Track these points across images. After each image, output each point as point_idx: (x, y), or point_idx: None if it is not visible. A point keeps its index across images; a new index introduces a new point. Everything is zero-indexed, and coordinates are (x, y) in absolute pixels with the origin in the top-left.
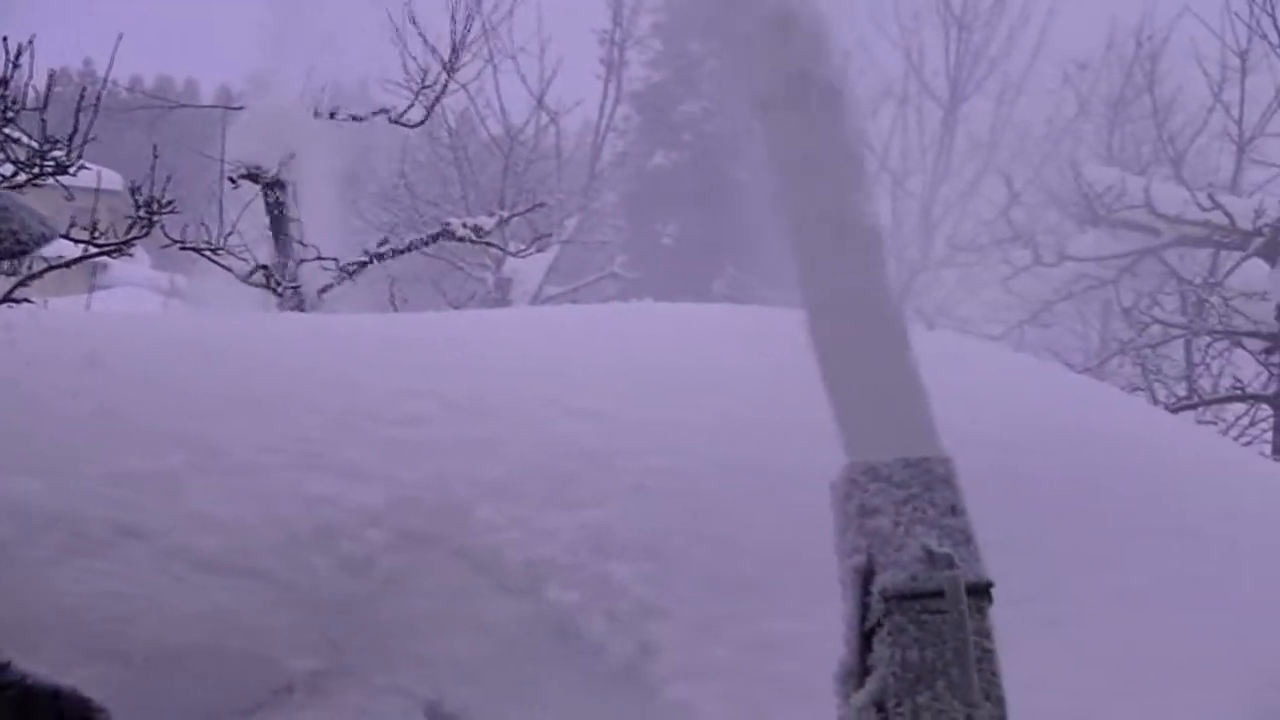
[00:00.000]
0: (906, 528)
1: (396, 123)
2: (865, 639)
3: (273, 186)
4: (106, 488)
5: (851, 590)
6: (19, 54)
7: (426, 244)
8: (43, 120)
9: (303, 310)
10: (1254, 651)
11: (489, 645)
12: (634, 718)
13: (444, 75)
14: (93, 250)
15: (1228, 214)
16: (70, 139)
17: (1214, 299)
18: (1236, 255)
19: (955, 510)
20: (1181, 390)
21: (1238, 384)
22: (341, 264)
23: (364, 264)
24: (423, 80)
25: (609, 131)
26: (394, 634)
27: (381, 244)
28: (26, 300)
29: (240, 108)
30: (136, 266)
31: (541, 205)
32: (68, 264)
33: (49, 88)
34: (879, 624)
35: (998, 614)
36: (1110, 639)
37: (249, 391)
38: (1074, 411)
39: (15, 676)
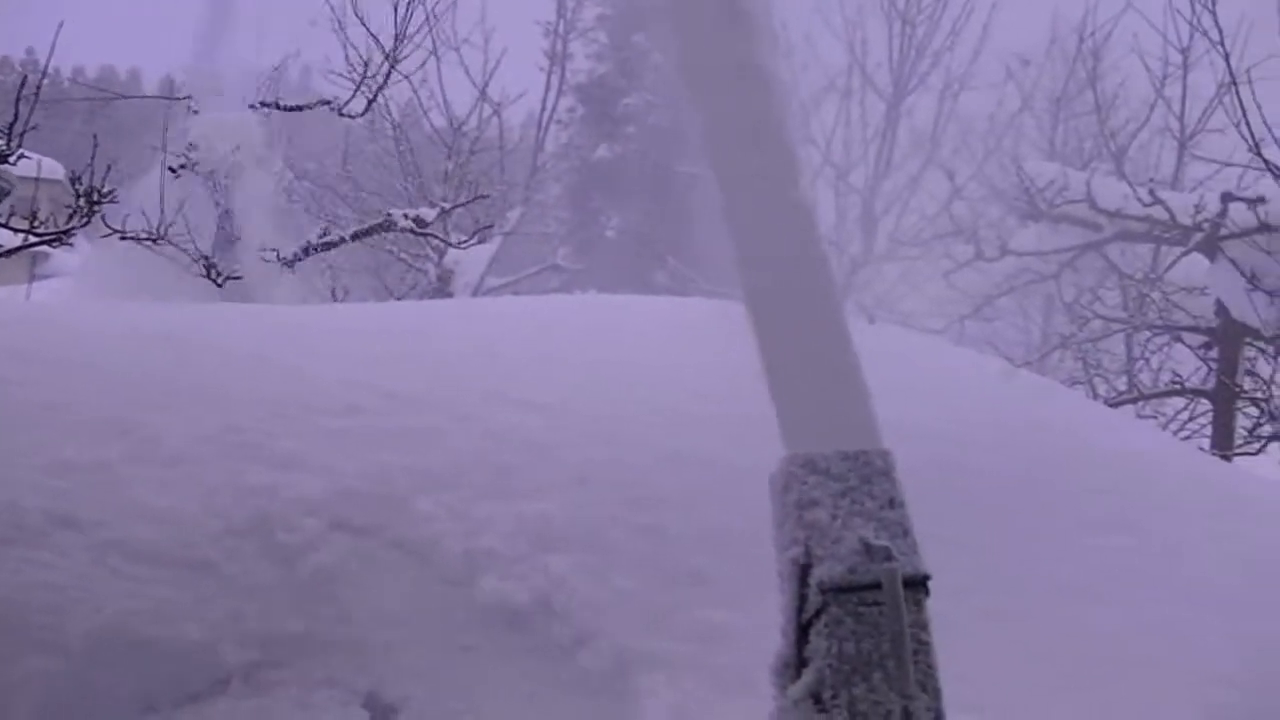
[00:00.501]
0: (844, 520)
1: (339, 113)
2: (803, 631)
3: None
4: (43, 478)
5: (789, 582)
6: None
7: (368, 235)
8: None
9: (244, 301)
10: (1195, 645)
11: (428, 636)
12: (573, 707)
13: (386, 66)
14: (32, 240)
15: (1168, 209)
16: (10, 128)
17: (1154, 294)
18: (1177, 251)
19: (893, 503)
20: (1122, 384)
21: (1177, 379)
22: (282, 255)
23: (305, 255)
24: (365, 71)
25: (552, 123)
26: (332, 625)
27: (323, 235)
28: None
29: (185, 98)
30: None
31: (484, 197)
32: (7, 253)
33: None
34: (816, 616)
35: (937, 606)
36: (1050, 632)
37: (188, 382)
38: (1013, 405)
39: None
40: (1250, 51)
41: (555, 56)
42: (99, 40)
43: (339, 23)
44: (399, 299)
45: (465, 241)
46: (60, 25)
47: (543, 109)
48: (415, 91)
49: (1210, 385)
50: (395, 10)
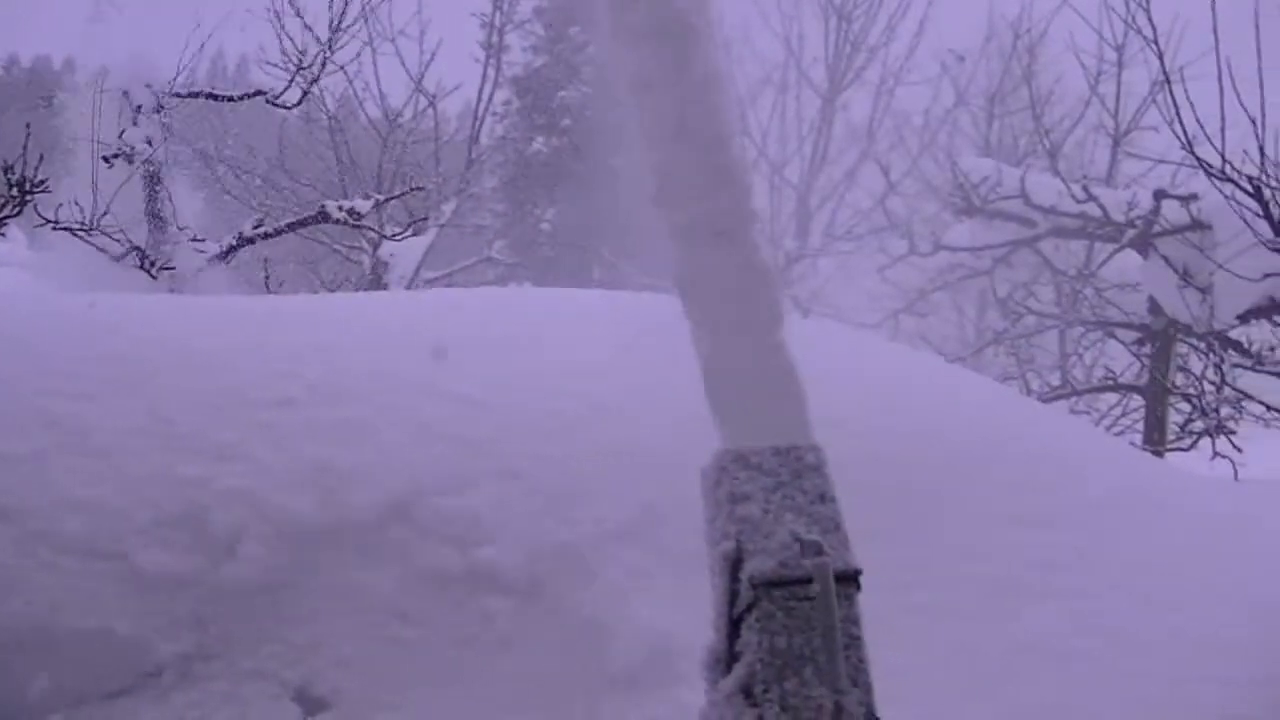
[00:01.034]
0: (776, 515)
1: (273, 104)
2: (734, 625)
3: (146, 167)
4: None
5: (720, 577)
6: None
7: (302, 226)
8: None
9: (176, 292)
10: (1127, 640)
11: (359, 629)
12: (503, 699)
13: (322, 56)
14: None
15: (1101, 206)
16: None
17: (1088, 290)
18: (1111, 247)
19: (824, 498)
20: (1055, 380)
21: (1110, 374)
22: (215, 246)
23: (238, 246)
24: (299, 61)
25: (488, 116)
26: (263, 618)
27: (256, 226)
28: None
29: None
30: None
31: (418, 189)
32: None
33: None
34: (748, 610)
35: (870, 601)
36: (983, 627)
37: (119, 373)
38: (946, 401)
39: None
40: (1184, 50)
41: (491, 49)
42: (34, 30)
43: (275, 13)
44: (333, 291)
45: (399, 234)
46: None
47: (478, 101)
48: (351, 83)
49: (1143, 381)
50: (330, 1)
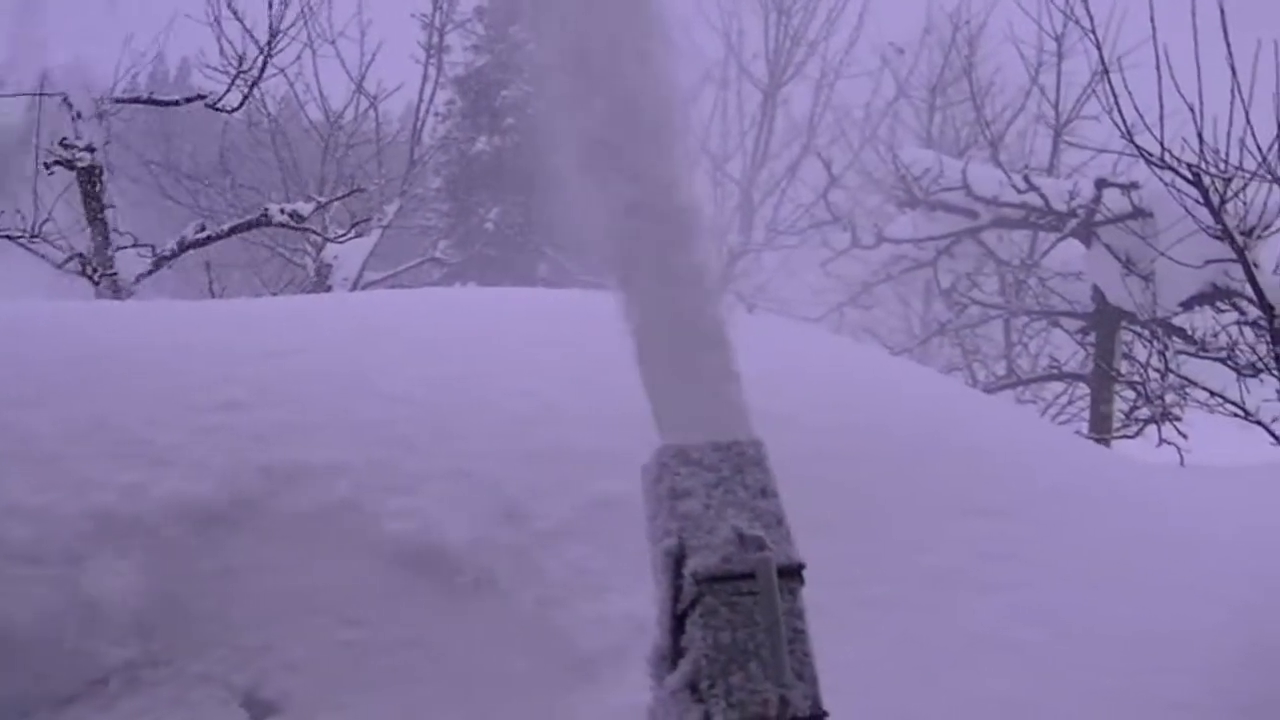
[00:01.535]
0: (718, 510)
1: (213, 108)
2: (678, 621)
3: (88, 173)
4: None
5: (663, 574)
6: None
7: (244, 230)
8: None
9: (119, 297)
10: (1073, 629)
11: (307, 632)
12: (451, 698)
13: (261, 59)
14: None
15: (1043, 196)
16: None
17: (1031, 280)
18: (1053, 236)
19: (766, 492)
20: (1001, 370)
21: (1055, 363)
22: (158, 251)
23: (180, 251)
24: (239, 65)
25: (430, 116)
26: (210, 622)
27: (199, 230)
28: None
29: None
30: None
31: (360, 190)
32: None
33: None
34: (691, 606)
35: (817, 595)
36: (928, 618)
37: (61, 379)
38: (888, 392)
39: None
40: (1123, 38)
41: (432, 49)
42: None
43: (214, 17)
44: (276, 294)
45: (342, 235)
46: None
47: (419, 101)
48: (291, 86)
49: (1088, 369)
50: (270, 4)
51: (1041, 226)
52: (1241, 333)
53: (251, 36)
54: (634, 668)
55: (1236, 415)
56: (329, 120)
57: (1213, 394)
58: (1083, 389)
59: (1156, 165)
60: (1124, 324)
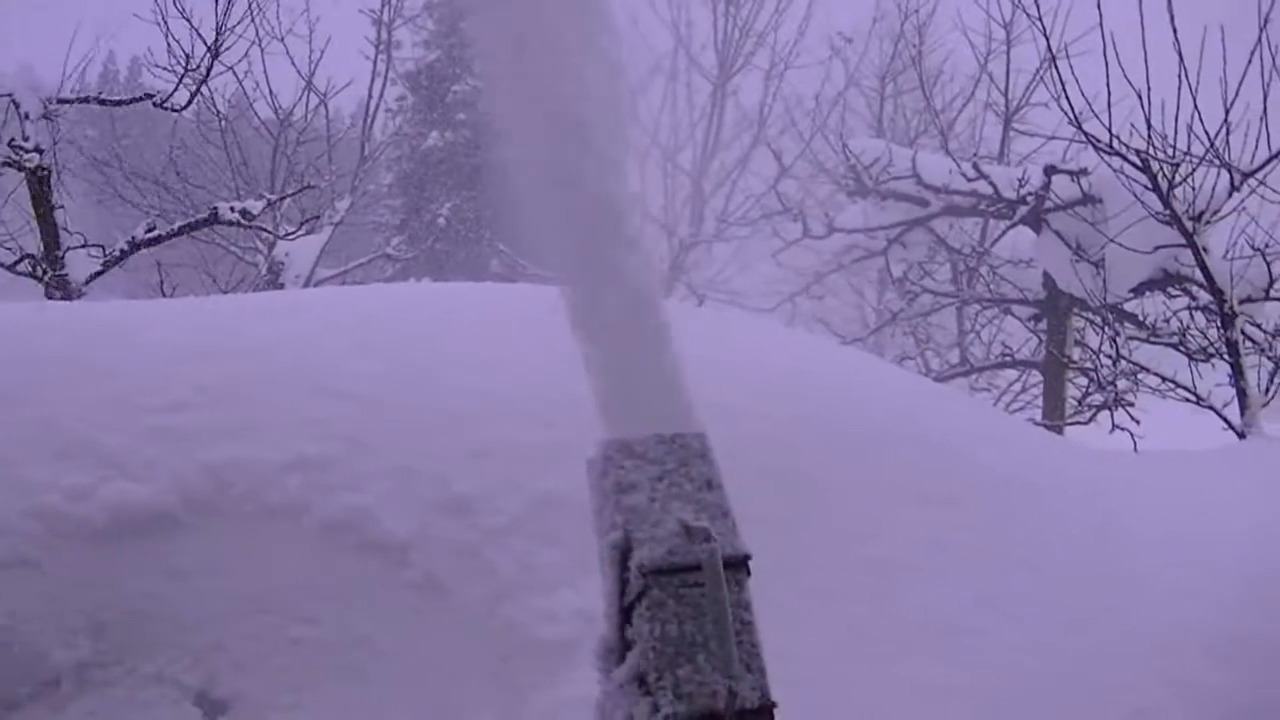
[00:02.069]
0: (663, 503)
1: (161, 107)
2: (625, 614)
3: (36, 174)
4: None
5: (610, 567)
6: None
7: (194, 229)
8: None
9: (69, 299)
10: (1020, 617)
11: (258, 631)
12: (402, 696)
13: (209, 57)
14: None
15: (993, 184)
16: None
17: (983, 268)
18: (1004, 224)
19: (711, 485)
20: (954, 358)
21: (1007, 351)
22: (108, 251)
23: (130, 251)
24: (187, 63)
25: (381, 112)
26: (160, 623)
27: (149, 230)
28: None
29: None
30: None
31: (309, 188)
32: None
33: None
34: (638, 599)
35: (764, 585)
36: (874, 607)
37: (9, 381)
38: (837, 383)
39: None
40: (1072, 25)
41: (381, 45)
42: None
43: (161, 15)
44: (227, 292)
45: (292, 233)
46: None
47: (368, 98)
48: (240, 83)
49: (1040, 356)
50: (216, 2)
51: (992, 214)
52: (1192, 318)
53: (198, 34)
54: (583, 661)
55: (1188, 401)
56: (279, 118)
57: (1164, 379)
58: (1036, 376)
59: (1105, 151)
60: (1075, 310)
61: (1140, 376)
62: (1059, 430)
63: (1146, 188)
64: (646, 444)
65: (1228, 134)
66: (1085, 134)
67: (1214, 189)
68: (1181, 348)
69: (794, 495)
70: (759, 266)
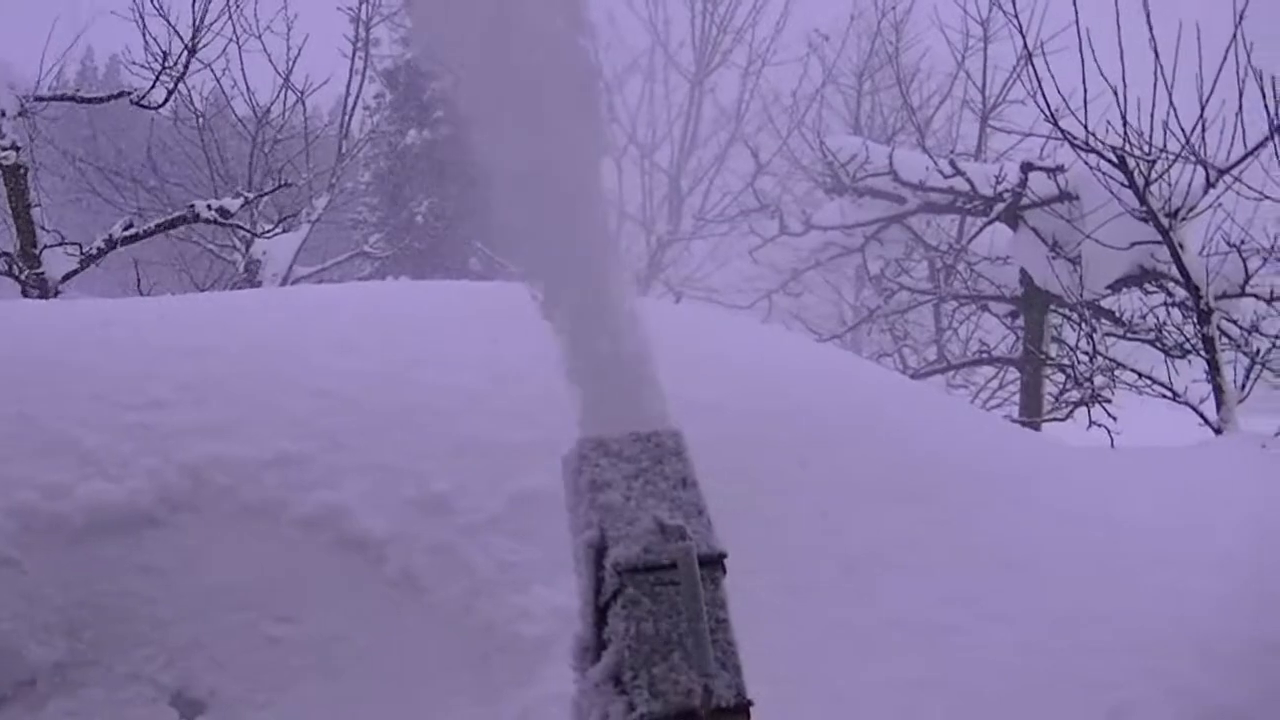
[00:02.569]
0: (638, 501)
1: (138, 104)
2: (600, 613)
3: (13, 171)
4: None
5: (585, 565)
6: None
7: (171, 227)
8: None
9: (46, 297)
10: (995, 613)
11: (234, 629)
12: (379, 694)
13: (186, 55)
14: None
15: (970, 181)
16: None
17: (960, 265)
18: (981, 221)
19: (686, 483)
20: (932, 355)
21: (984, 347)
22: (85, 249)
23: (108, 249)
24: (164, 61)
25: (359, 109)
26: (137, 622)
27: (126, 228)
28: None
29: None
30: None
31: (287, 185)
32: None
33: None
34: (614, 598)
35: (735, 582)
36: (848, 603)
37: None
38: (814, 381)
39: None
40: (1049, 21)
41: (359, 42)
42: None
43: (138, 13)
44: (204, 290)
45: (270, 231)
46: None
47: (346, 95)
48: (218, 80)
49: (1017, 353)
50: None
51: (969, 211)
52: (1169, 314)
53: (175, 32)
54: (560, 659)
55: (1165, 397)
56: (256, 115)
57: (1140, 375)
58: (1013, 373)
59: (1080, 148)
60: (1052, 307)
61: (1117, 373)
62: (1036, 427)
63: (1123, 184)
64: (622, 442)
65: (1204, 131)
66: (1061, 131)
67: (1190, 186)
68: (1158, 344)
69: (769, 492)
70: (736, 263)
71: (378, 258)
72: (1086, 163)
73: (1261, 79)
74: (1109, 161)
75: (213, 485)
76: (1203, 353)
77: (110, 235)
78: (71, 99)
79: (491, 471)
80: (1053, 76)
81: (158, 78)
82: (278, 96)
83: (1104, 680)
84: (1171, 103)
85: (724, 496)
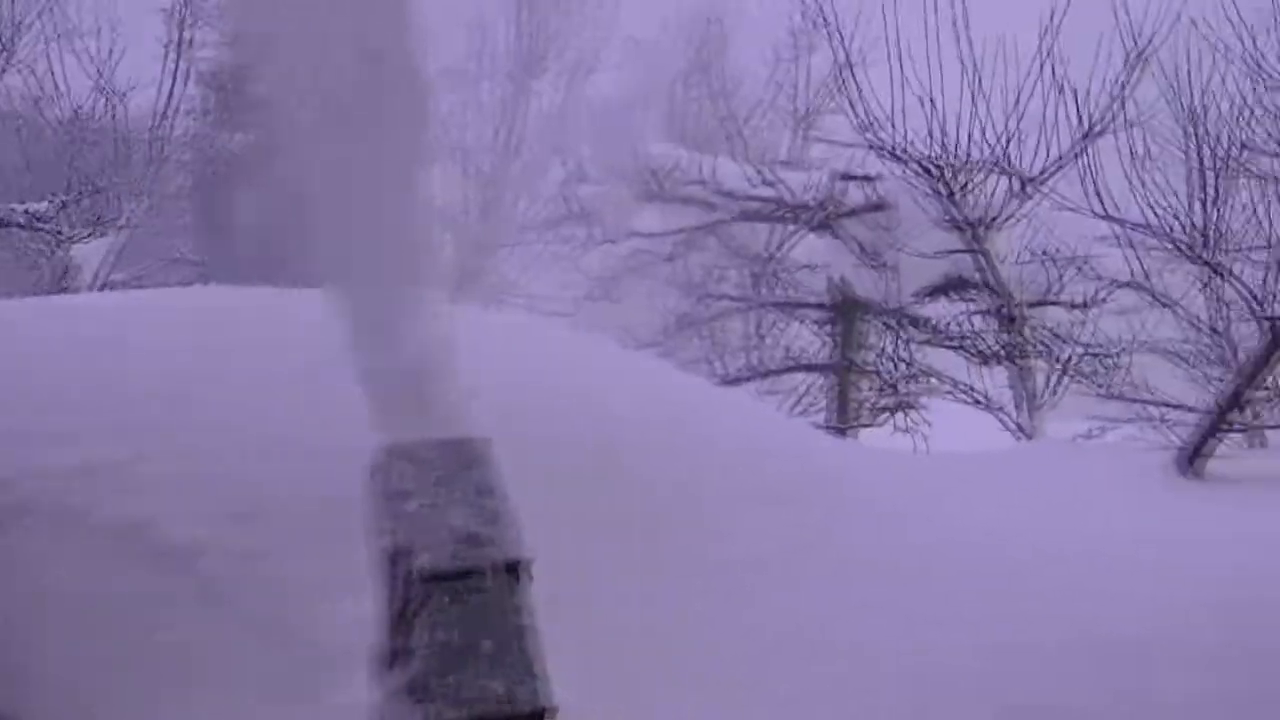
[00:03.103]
0: (441, 509)
1: None
2: (398, 620)
3: None
4: None
5: (383, 573)
6: None
7: None
8: None
9: None
10: (876, 629)
11: (35, 645)
12: (186, 708)
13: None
14: None
15: (786, 189)
16: None
17: (774, 272)
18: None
19: (490, 490)
20: (746, 362)
21: (791, 355)
22: None
23: None
24: None
25: (177, 113)
26: None
27: None
28: None
29: None
30: None
31: (99, 190)
32: None
33: None
34: (421, 605)
35: (575, 592)
36: (739, 612)
37: None
38: (619, 384)
39: None
40: (870, 30)
41: (177, 44)
42: None
43: None
44: (11, 296)
45: (81, 235)
46: None
47: (158, 97)
48: (40, 82)
49: (830, 360)
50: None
51: (785, 219)
52: (972, 321)
53: None
54: (365, 668)
55: (975, 403)
56: (72, 118)
57: (943, 380)
58: (823, 380)
59: (890, 158)
60: (864, 315)
61: (930, 379)
62: (845, 433)
63: (929, 194)
64: (425, 448)
65: (1018, 142)
66: (869, 140)
67: (1003, 195)
68: (963, 351)
69: (616, 497)
70: (556, 270)
71: (196, 263)
72: (893, 172)
73: (1073, 91)
74: (916, 172)
75: (14, 494)
76: (1009, 360)
77: None
78: None
79: (301, 477)
80: (872, 87)
81: None
82: (91, 99)
83: (994, 685)
84: (977, 114)
85: (555, 503)
